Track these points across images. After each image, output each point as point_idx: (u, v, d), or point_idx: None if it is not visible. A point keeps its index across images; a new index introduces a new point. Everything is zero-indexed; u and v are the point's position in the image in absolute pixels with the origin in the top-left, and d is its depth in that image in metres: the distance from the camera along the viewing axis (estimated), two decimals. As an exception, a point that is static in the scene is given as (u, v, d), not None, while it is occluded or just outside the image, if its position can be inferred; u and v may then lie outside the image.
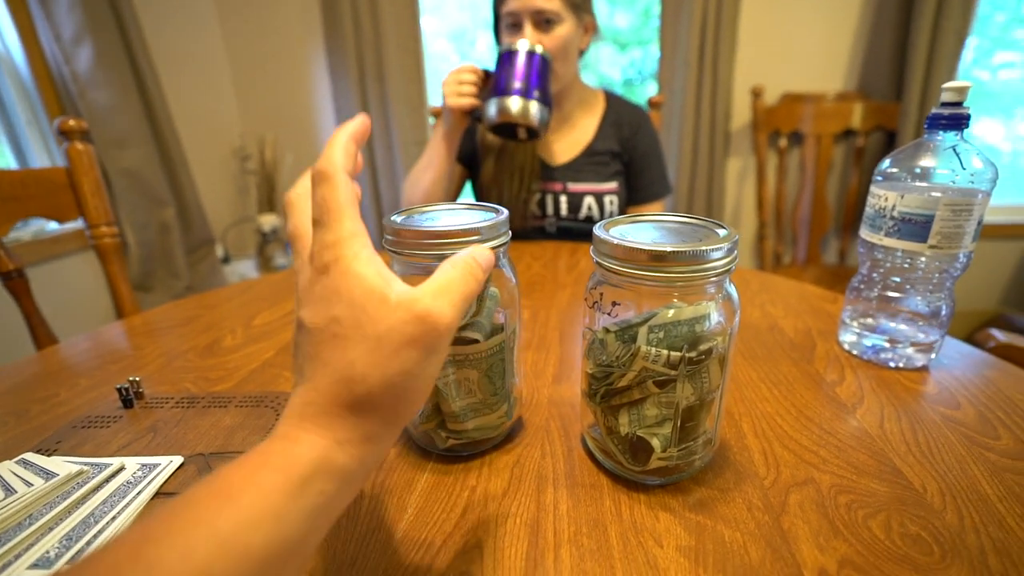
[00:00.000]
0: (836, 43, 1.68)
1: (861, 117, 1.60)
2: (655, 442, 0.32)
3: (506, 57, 0.83)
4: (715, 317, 0.31)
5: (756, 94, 1.63)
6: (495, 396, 0.36)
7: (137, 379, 0.43)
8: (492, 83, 0.84)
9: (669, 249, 0.28)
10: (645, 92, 1.95)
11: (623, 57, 1.97)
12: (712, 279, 0.29)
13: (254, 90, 1.84)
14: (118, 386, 0.42)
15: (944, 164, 0.44)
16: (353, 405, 0.20)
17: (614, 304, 0.31)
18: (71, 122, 0.73)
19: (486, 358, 0.35)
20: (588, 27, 0.96)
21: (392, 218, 0.35)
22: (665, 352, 0.30)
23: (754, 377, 0.48)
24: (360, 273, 0.20)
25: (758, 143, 1.63)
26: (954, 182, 0.43)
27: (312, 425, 0.19)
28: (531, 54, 0.82)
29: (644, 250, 0.28)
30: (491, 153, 1.01)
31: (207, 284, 1.67)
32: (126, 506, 0.30)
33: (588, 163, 1.01)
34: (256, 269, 1.86)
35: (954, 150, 0.43)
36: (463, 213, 0.37)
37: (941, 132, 0.44)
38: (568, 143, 1.02)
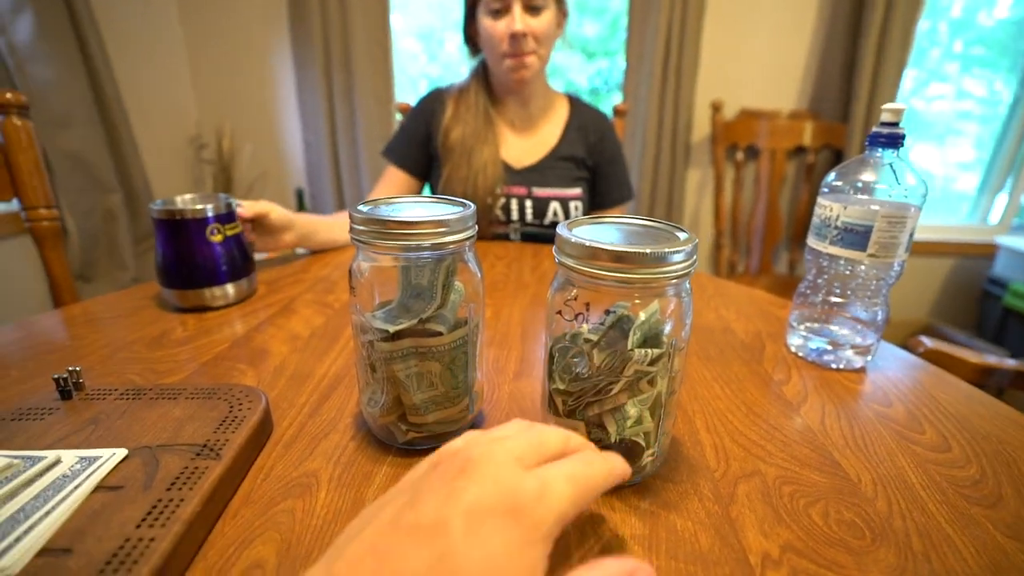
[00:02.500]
0: (790, 64, 1.77)
1: (812, 135, 1.69)
2: (643, 441, 0.33)
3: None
4: (669, 310, 0.32)
5: (716, 108, 1.70)
6: (456, 390, 0.36)
7: (77, 369, 0.40)
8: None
9: (634, 250, 0.28)
10: (611, 101, 1.99)
11: (591, 66, 2.01)
12: (673, 281, 0.30)
13: (213, 76, 1.77)
14: (55, 375, 0.39)
15: (882, 179, 0.47)
16: None
17: (587, 306, 0.32)
18: (8, 95, 0.69)
19: (449, 351, 0.35)
20: (560, 20, 0.96)
21: (359, 208, 0.34)
22: (650, 351, 0.31)
23: (708, 376, 0.50)
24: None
25: (716, 155, 1.70)
26: (890, 196, 0.46)
27: None
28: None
29: (608, 250, 0.29)
30: (451, 156, 0.99)
31: (155, 276, 1.59)
32: (62, 500, 0.29)
33: (553, 167, 1.01)
34: (209, 262, 1.78)
35: (891, 167, 0.47)
36: (431, 205, 0.37)
37: (880, 149, 0.47)
38: (533, 145, 1.02)
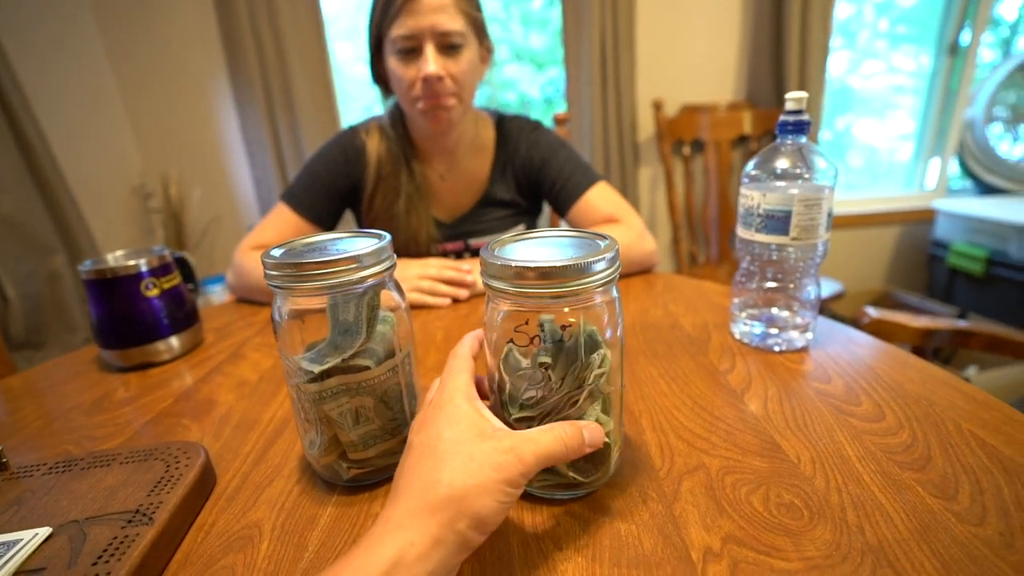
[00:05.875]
0: (723, 59, 1.84)
1: (751, 124, 1.75)
2: (611, 439, 0.33)
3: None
4: (604, 316, 0.32)
5: (657, 107, 1.74)
6: (394, 421, 0.36)
7: None
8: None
9: (558, 264, 0.28)
10: (561, 108, 2.03)
11: (541, 76, 2.05)
12: (600, 288, 0.31)
13: (153, 123, 1.73)
14: (-24, 458, 0.37)
15: (795, 165, 0.49)
16: (431, 505, 0.25)
17: (542, 326, 0.32)
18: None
19: (380, 383, 0.35)
20: (484, 56, 0.85)
21: (272, 253, 0.34)
22: (601, 353, 0.31)
23: (654, 374, 0.51)
24: (467, 410, 0.29)
25: (664, 152, 1.74)
26: (804, 180, 0.48)
27: (394, 527, 0.24)
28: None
29: (533, 268, 0.29)
30: (379, 225, 0.89)
31: (110, 334, 1.54)
32: (-22, 592, 0.27)
33: (487, 210, 0.94)
34: (167, 313, 1.73)
35: (800, 152, 0.49)
36: (347, 240, 0.37)
37: (790, 136, 0.49)
38: (463, 190, 0.93)
